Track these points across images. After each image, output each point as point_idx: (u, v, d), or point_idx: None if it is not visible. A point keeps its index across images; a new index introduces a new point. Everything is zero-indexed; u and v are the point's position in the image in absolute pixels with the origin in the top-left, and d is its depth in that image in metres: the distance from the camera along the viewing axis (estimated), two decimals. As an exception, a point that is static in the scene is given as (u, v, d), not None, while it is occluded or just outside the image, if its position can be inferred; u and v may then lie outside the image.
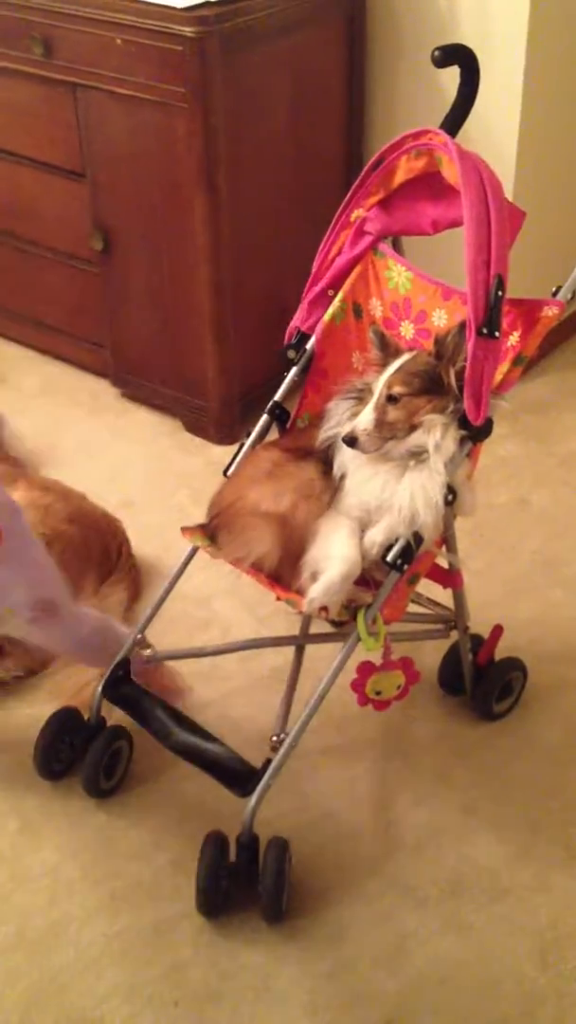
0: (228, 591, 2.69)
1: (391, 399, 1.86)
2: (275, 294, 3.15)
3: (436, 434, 1.85)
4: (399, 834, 2.14)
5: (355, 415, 1.92)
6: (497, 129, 2.99)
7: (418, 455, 1.87)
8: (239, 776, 1.96)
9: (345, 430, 1.88)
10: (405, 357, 1.89)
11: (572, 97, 3.17)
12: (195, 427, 3.30)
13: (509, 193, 1.83)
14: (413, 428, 1.87)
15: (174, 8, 2.68)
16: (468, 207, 1.78)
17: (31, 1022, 1.84)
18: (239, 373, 3.16)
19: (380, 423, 1.86)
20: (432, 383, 1.86)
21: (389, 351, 1.92)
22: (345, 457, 1.93)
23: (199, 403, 3.23)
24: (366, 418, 1.87)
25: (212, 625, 2.62)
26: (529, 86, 2.97)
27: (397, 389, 1.86)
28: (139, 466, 3.20)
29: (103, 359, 3.44)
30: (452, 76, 2.10)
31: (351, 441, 1.86)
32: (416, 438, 1.87)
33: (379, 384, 1.88)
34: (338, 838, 2.13)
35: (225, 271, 2.99)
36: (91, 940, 1.96)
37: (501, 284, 1.76)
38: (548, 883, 2.03)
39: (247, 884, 1.95)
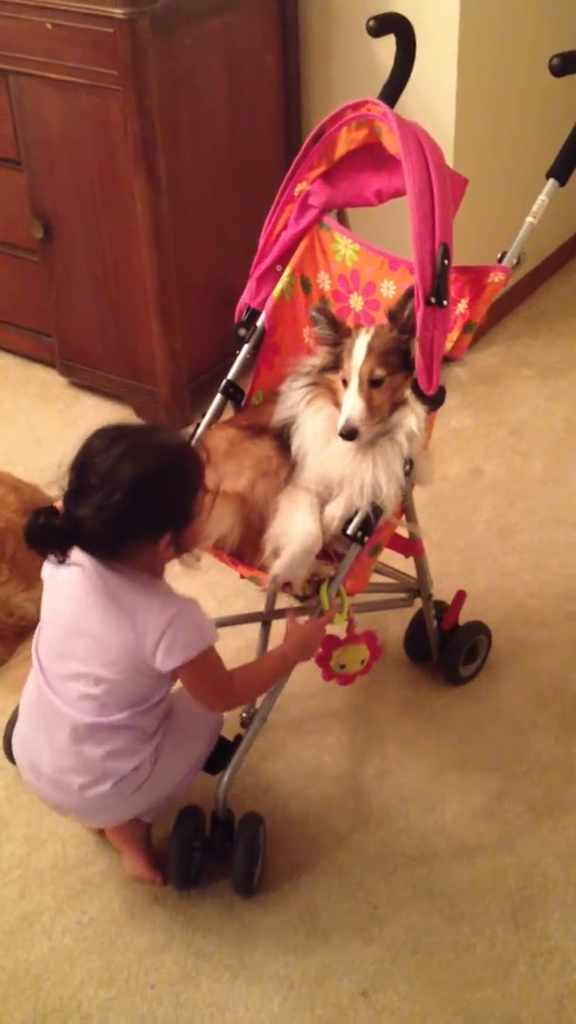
0: (186, 574, 2.66)
1: (374, 383, 1.85)
2: (220, 274, 3.14)
3: (417, 408, 1.85)
4: (367, 806, 2.15)
5: (314, 398, 1.92)
6: (434, 97, 3.00)
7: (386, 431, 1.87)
8: (211, 753, 1.96)
9: (341, 424, 1.84)
10: (367, 336, 1.87)
11: (507, 62, 3.18)
12: (147, 413, 3.27)
13: (449, 161, 1.84)
14: (395, 406, 1.87)
15: (104, -11, 2.65)
16: (410, 176, 1.77)
17: (8, 1014, 1.83)
18: (188, 356, 3.15)
19: (369, 408, 1.85)
20: (403, 357, 1.86)
21: (340, 331, 1.91)
22: (306, 435, 1.93)
23: (149, 388, 3.21)
24: (356, 408, 1.84)
25: (171, 609, 2.61)
26: (464, 53, 2.97)
27: (379, 372, 1.85)
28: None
29: (49, 348, 3.40)
30: (386, 47, 2.10)
31: (351, 434, 1.83)
32: (398, 416, 1.87)
33: (354, 370, 1.85)
34: (307, 813, 2.13)
35: (168, 254, 2.97)
36: (64, 928, 1.95)
37: (447, 252, 1.77)
38: (515, 845, 2.06)
39: (221, 858, 1.96)
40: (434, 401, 1.85)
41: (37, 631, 1.87)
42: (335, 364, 1.90)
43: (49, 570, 1.83)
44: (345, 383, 1.87)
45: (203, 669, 1.77)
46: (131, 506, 1.63)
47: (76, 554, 1.69)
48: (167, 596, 1.77)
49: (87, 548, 1.69)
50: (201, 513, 1.76)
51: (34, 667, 1.85)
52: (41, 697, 1.82)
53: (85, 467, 1.66)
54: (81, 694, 1.76)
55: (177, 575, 2.63)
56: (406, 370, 1.85)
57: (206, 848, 1.97)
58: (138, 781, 1.82)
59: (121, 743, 1.79)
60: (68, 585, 1.77)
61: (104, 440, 1.67)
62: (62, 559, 1.68)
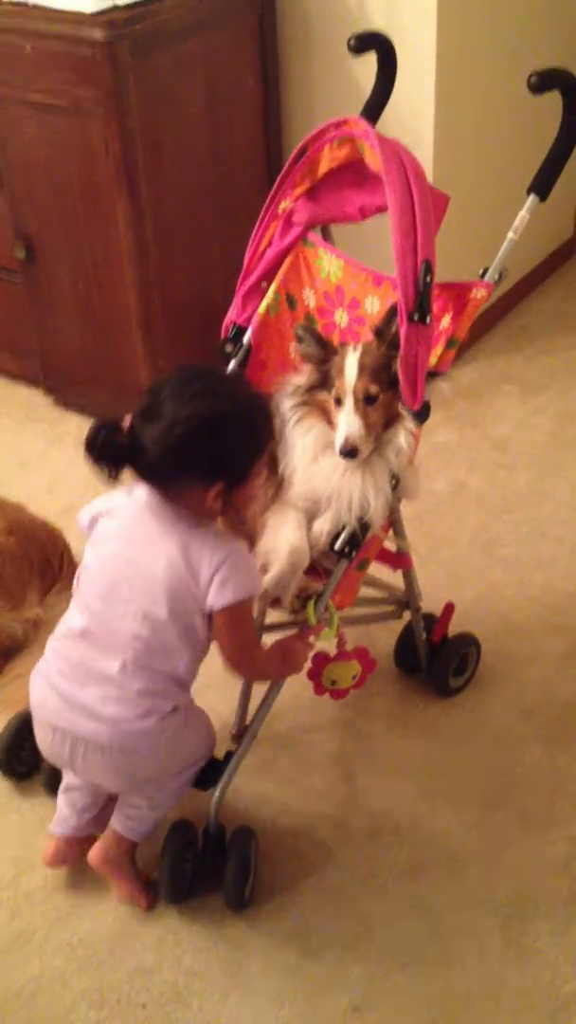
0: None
1: (369, 400, 1.86)
2: (204, 292, 3.15)
3: (407, 424, 1.86)
4: (357, 819, 2.14)
5: (303, 417, 1.93)
6: (414, 115, 3.03)
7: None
8: (202, 770, 1.96)
9: (340, 443, 1.85)
10: (356, 353, 1.87)
11: (486, 80, 3.21)
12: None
13: (430, 178, 1.85)
14: (388, 423, 1.88)
15: (83, 13, 2.66)
16: (392, 193, 1.79)
17: (-1, 1036, 1.82)
18: (172, 374, 3.15)
19: (367, 426, 1.85)
20: (393, 374, 1.86)
21: (327, 348, 1.91)
22: (294, 453, 1.94)
23: (135, 405, 3.20)
24: (355, 426, 1.84)
25: (158, 627, 2.60)
26: (442, 71, 3.00)
27: (373, 389, 1.85)
28: (78, 473, 3.15)
29: (33, 368, 3.41)
30: (365, 66, 2.12)
31: (352, 452, 1.83)
32: (390, 433, 1.88)
33: (348, 389, 1.85)
34: (297, 828, 2.13)
35: (151, 272, 2.98)
36: (56, 949, 1.94)
37: (429, 269, 1.78)
38: (504, 858, 2.06)
39: (212, 873, 1.96)
40: (419, 416, 1.85)
41: (76, 576, 1.88)
42: (323, 382, 1.91)
43: (88, 517, 1.86)
44: (339, 401, 1.87)
45: (242, 619, 1.79)
46: (192, 441, 1.67)
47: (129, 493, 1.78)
48: (221, 535, 1.78)
49: (140, 470, 1.72)
50: (258, 479, 1.80)
51: (75, 609, 1.85)
52: (86, 634, 1.81)
53: (159, 393, 1.69)
54: (132, 634, 1.76)
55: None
56: (396, 386, 1.86)
57: (197, 863, 1.97)
58: (174, 725, 1.82)
59: (163, 684, 1.80)
60: (115, 527, 1.81)
61: (186, 375, 1.71)
62: (113, 475, 1.71)
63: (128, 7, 2.70)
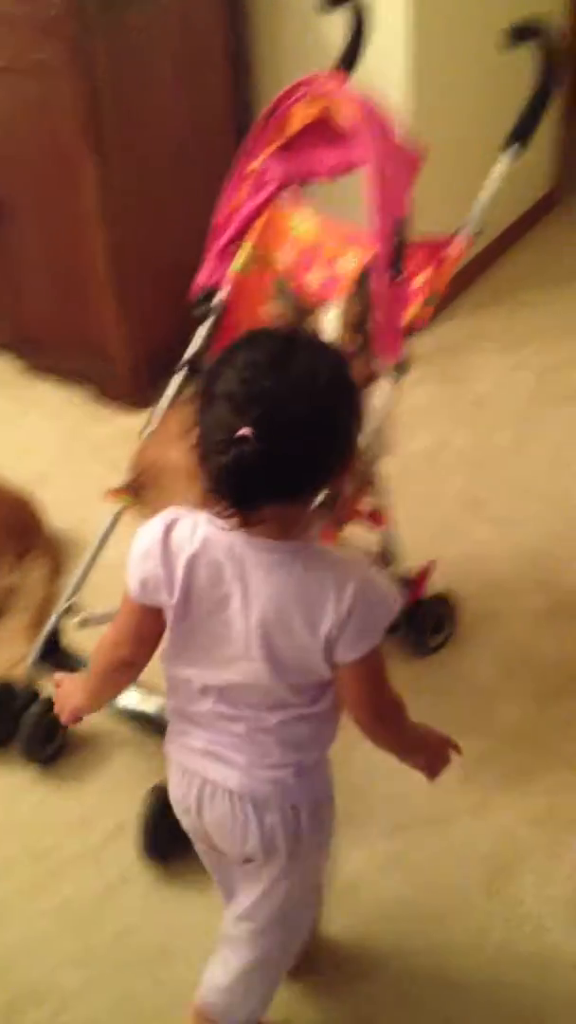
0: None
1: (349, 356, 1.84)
2: (176, 252, 3.08)
3: (384, 383, 1.85)
4: (336, 779, 2.13)
5: None
6: (388, 69, 2.97)
7: None
8: None
9: None
10: (336, 311, 1.84)
11: (461, 33, 3.16)
12: (105, 395, 3.25)
13: (406, 131, 1.83)
14: (364, 384, 1.86)
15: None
16: (366, 151, 1.77)
17: (-15, 999, 1.84)
18: (146, 336, 3.12)
19: None
20: (368, 332, 1.85)
21: (304, 306, 1.89)
22: None
23: (107, 370, 3.19)
24: None
25: (139, 590, 2.60)
26: (417, 22, 2.96)
27: (350, 348, 1.82)
28: (50, 439, 3.15)
29: (3, 332, 3.36)
30: (335, 24, 2.08)
31: None
32: (369, 388, 1.86)
33: None
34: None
35: (122, 233, 2.94)
36: (39, 913, 1.95)
37: (404, 225, 1.76)
38: (486, 814, 2.07)
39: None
40: (397, 371, 1.84)
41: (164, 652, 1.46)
42: None
43: (141, 576, 1.38)
44: None
45: (379, 657, 1.38)
46: (329, 440, 1.26)
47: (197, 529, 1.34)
48: (338, 562, 1.34)
49: (271, 495, 1.24)
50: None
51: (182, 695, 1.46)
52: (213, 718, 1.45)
53: (279, 383, 1.21)
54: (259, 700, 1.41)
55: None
56: (370, 347, 1.85)
57: (175, 824, 1.97)
58: (321, 778, 1.55)
59: (305, 729, 1.46)
60: (185, 587, 1.35)
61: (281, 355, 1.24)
62: (251, 513, 1.25)
63: (95, -35, 2.65)
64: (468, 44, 3.19)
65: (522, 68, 1.94)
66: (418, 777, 1.91)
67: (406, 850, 2.02)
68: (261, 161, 2.03)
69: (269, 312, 2.06)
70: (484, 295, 3.65)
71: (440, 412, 3.14)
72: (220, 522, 1.30)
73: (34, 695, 2.18)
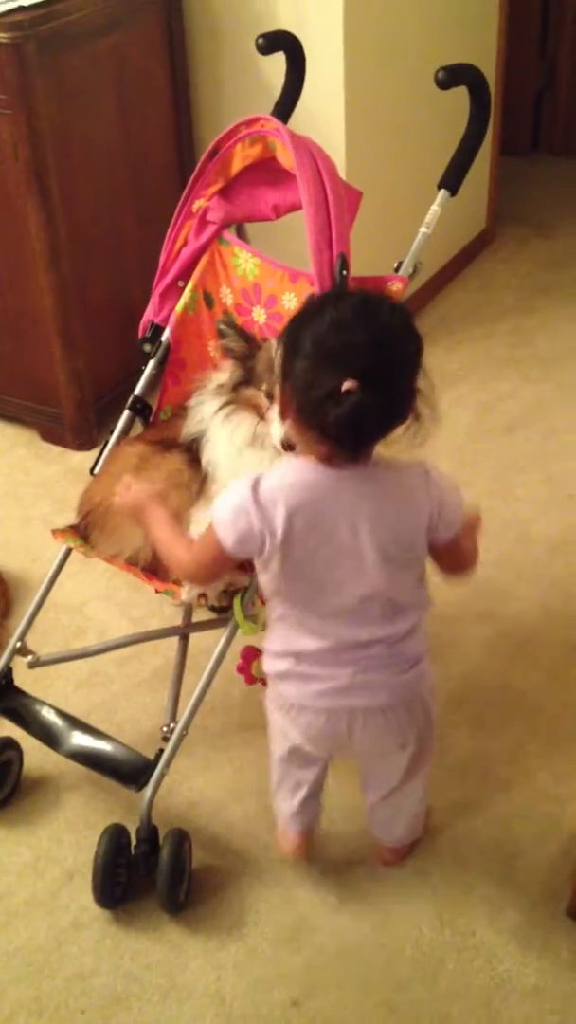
0: (101, 596, 2.66)
1: None
2: (121, 292, 3.13)
3: None
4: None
5: (231, 413, 1.93)
6: (324, 113, 3.04)
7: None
8: (134, 770, 1.96)
9: (276, 436, 1.81)
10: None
11: (393, 76, 3.24)
12: (51, 435, 3.25)
13: (342, 174, 1.87)
14: None
15: (-15, 16, 2.63)
16: (305, 190, 1.80)
17: None
18: (91, 375, 3.13)
19: None
20: None
21: (252, 343, 1.91)
22: (218, 448, 1.94)
23: (53, 411, 3.18)
24: None
25: (88, 631, 2.58)
26: (350, 68, 3.03)
27: None
28: (-5, 480, 3.13)
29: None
30: (274, 65, 2.13)
31: (292, 446, 1.75)
32: None
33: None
34: (232, 827, 2.13)
35: (66, 274, 2.95)
36: (-10, 960, 1.92)
37: (344, 263, 1.79)
38: (437, 845, 2.08)
39: (147, 876, 1.94)
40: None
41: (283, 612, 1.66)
42: (247, 378, 1.91)
43: (236, 534, 1.54)
44: (270, 396, 1.87)
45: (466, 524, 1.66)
46: (415, 372, 1.50)
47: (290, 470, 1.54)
48: (409, 465, 1.61)
49: (384, 432, 1.53)
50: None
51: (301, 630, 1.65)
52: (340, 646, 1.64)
53: (369, 335, 1.43)
54: (379, 613, 1.62)
55: (92, 599, 2.62)
56: None
57: (131, 866, 1.96)
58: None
59: (418, 626, 1.69)
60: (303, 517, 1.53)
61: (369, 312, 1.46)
62: (365, 450, 1.52)
63: (33, 7, 2.67)
64: (403, 87, 3.28)
65: (457, 112, 1.99)
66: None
67: (359, 883, 2.02)
68: (205, 201, 2.05)
69: (217, 348, 2.09)
70: (421, 332, 3.70)
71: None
72: (301, 463, 1.53)
73: (-16, 738, 2.15)
